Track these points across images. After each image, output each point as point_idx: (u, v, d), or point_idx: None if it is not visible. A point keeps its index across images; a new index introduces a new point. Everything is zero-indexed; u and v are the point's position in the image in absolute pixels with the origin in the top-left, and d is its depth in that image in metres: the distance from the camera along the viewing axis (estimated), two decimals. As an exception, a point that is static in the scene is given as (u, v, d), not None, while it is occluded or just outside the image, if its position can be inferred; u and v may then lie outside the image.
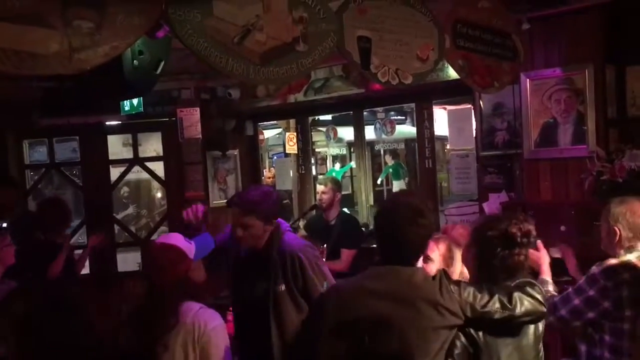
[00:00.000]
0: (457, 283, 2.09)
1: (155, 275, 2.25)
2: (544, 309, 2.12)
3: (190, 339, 2.19)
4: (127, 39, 2.10)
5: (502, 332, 2.08)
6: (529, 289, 2.10)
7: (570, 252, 3.17)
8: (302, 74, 2.66)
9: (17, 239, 3.48)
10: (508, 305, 2.04)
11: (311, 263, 2.89)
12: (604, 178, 3.66)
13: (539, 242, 3.03)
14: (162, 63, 3.69)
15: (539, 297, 2.10)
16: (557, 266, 3.45)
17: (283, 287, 2.85)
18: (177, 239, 2.34)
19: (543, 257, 2.95)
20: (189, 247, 2.32)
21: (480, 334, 2.04)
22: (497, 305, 2.03)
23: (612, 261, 2.68)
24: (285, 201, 7.86)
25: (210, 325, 2.23)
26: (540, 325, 2.20)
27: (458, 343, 2.03)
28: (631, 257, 2.65)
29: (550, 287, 2.84)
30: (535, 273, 2.98)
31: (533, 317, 2.09)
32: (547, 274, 2.91)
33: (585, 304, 2.63)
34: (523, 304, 2.06)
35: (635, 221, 2.68)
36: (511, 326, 2.09)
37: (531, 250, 2.99)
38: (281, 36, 2.50)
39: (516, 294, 2.07)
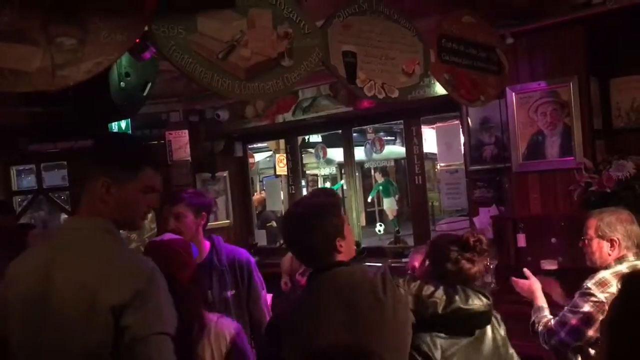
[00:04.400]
0: (402, 276, 2.09)
1: (179, 269, 2.11)
2: (489, 301, 2.10)
3: (217, 350, 2.13)
4: (111, 56, 2.09)
5: (455, 332, 2.06)
6: (474, 288, 2.10)
7: (552, 282, 3.14)
8: (288, 89, 2.66)
9: None
10: (453, 294, 2.03)
11: (256, 268, 3.06)
12: (592, 189, 3.67)
13: (527, 270, 3.03)
14: (149, 85, 3.70)
15: (483, 291, 2.10)
16: (550, 276, 3.44)
17: (232, 293, 2.93)
18: (176, 237, 2.30)
19: (534, 284, 2.94)
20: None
21: (435, 342, 2.02)
22: (442, 294, 2.02)
23: (604, 273, 2.66)
24: (269, 224, 7.84)
25: (234, 334, 2.20)
26: (499, 334, 2.17)
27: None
28: (622, 267, 2.64)
29: (546, 312, 2.82)
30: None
31: (479, 308, 2.06)
32: (541, 300, 2.90)
33: (582, 323, 2.59)
34: (468, 295, 2.05)
35: (627, 228, 2.68)
36: (462, 324, 2.06)
37: (521, 280, 2.99)
38: (266, 51, 2.51)
39: (459, 286, 2.07)
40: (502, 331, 2.18)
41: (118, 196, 1.75)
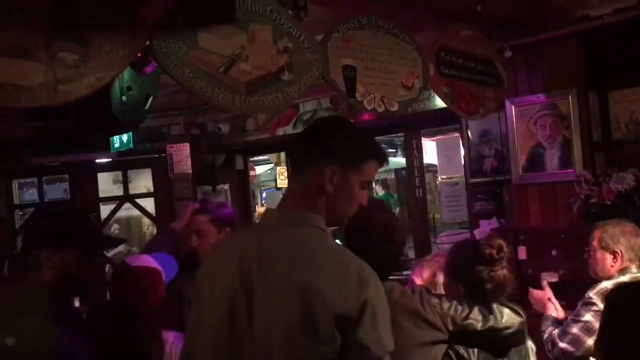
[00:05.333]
0: (439, 296, 2.06)
1: (137, 301, 2.11)
2: (522, 319, 2.09)
3: None
4: (112, 71, 2.12)
5: (488, 350, 2.05)
6: (505, 302, 2.09)
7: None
8: (288, 102, 2.69)
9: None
10: (488, 314, 2.01)
11: None
12: (592, 201, 3.67)
13: (545, 283, 3.06)
14: (151, 98, 3.72)
15: (516, 307, 2.09)
16: (551, 289, 3.44)
17: None
18: (149, 261, 2.25)
19: (546, 296, 2.97)
20: (161, 269, 2.25)
21: (472, 352, 2.02)
22: (479, 316, 2.00)
23: (606, 283, 2.67)
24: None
25: None
26: (531, 354, 2.17)
27: None
28: (624, 278, 2.65)
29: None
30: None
31: (513, 328, 2.06)
32: (551, 311, 2.92)
33: (583, 331, 2.61)
34: (502, 313, 2.04)
35: (630, 240, 2.69)
36: (495, 344, 2.06)
37: (536, 290, 3.01)
38: (266, 66, 2.53)
39: (494, 305, 2.05)
40: (531, 355, 2.17)
41: (340, 188, 1.56)
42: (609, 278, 2.71)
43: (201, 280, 1.63)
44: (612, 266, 2.72)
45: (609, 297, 1.61)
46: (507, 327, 2.04)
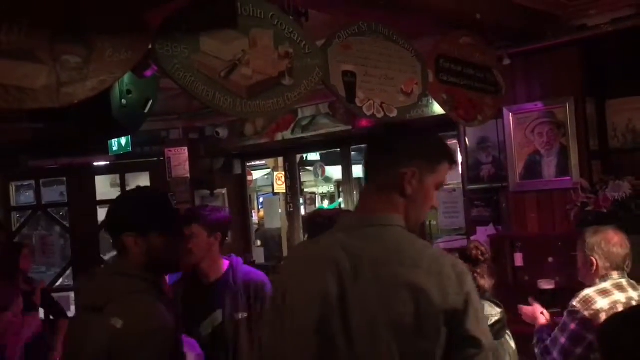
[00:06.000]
0: None
1: None
2: (501, 309, 2.14)
3: None
4: (115, 74, 2.13)
5: None
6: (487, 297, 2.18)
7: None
8: (288, 107, 2.70)
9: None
10: None
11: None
12: (589, 209, 3.69)
13: (531, 298, 3.07)
14: (151, 102, 3.73)
15: (495, 300, 2.14)
16: (547, 296, 3.46)
17: (244, 316, 2.76)
18: None
19: (537, 311, 2.98)
20: None
21: None
22: None
23: (588, 291, 2.69)
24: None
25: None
26: (510, 348, 2.20)
27: None
28: (606, 285, 2.66)
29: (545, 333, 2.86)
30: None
31: (493, 318, 2.10)
32: (542, 321, 2.94)
33: (570, 341, 2.61)
34: (482, 305, 2.07)
35: (610, 250, 2.69)
36: None
37: (525, 307, 3.03)
38: (267, 70, 2.55)
39: None
40: (512, 345, 2.21)
41: (418, 190, 1.60)
42: (590, 285, 2.73)
43: (284, 286, 1.62)
44: (592, 273, 2.74)
45: (603, 331, 1.60)
46: (487, 317, 2.10)
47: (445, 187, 5.12)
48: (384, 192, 1.60)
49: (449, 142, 5.07)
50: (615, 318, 1.74)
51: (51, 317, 4.53)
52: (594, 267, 2.69)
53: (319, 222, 2.39)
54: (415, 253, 1.53)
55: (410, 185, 1.58)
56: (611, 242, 2.71)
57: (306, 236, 2.29)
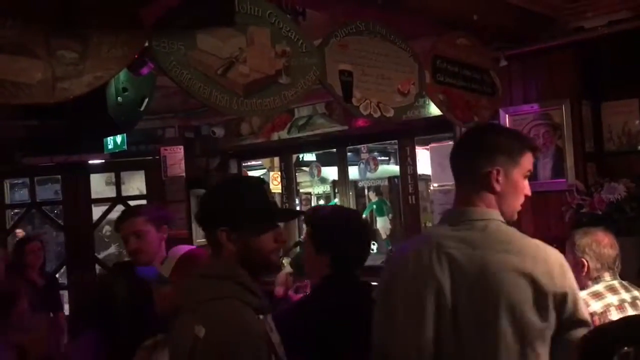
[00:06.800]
0: None
1: None
2: None
3: None
4: (111, 70, 2.13)
5: None
6: None
7: None
8: (285, 106, 2.70)
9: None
10: None
11: None
12: (583, 211, 3.70)
13: None
14: (147, 100, 3.72)
15: None
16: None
17: None
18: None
19: None
20: None
21: None
22: None
23: (582, 293, 2.68)
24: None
25: None
26: None
27: None
28: (599, 287, 2.65)
29: None
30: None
31: None
32: None
33: None
34: None
35: (601, 251, 2.67)
36: None
37: None
38: (264, 69, 2.55)
39: None
40: None
41: (506, 185, 1.73)
42: (582, 287, 2.72)
43: (397, 278, 1.72)
44: (583, 275, 2.73)
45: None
46: None
47: (441, 187, 5.15)
48: (475, 190, 1.73)
49: (446, 144, 5.09)
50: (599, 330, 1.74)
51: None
52: (585, 269, 2.68)
53: (322, 214, 2.38)
54: (519, 242, 1.68)
55: (498, 182, 1.71)
56: (601, 243, 2.70)
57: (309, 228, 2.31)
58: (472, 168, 1.74)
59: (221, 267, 1.70)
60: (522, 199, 1.80)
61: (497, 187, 1.71)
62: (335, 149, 6.08)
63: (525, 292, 1.59)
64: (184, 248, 2.30)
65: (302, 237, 4.96)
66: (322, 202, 12.18)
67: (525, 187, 1.79)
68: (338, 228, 2.22)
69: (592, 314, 2.53)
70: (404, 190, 5.36)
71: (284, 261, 5.46)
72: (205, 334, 1.55)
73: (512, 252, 1.64)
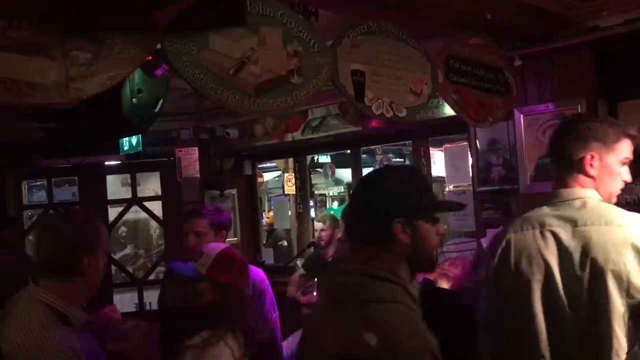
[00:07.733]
0: None
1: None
2: None
3: None
4: (124, 70, 2.14)
5: None
6: None
7: None
8: (297, 106, 2.70)
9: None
10: None
11: (270, 291, 3.04)
12: (600, 211, 3.66)
13: None
14: (161, 101, 3.75)
15: None
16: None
17: None
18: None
19: None
20: None
21: None
22: None
23: None
24: (280, 242, 7.85)
25: None
26: None
27: None
28: None
29: None
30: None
31: None
32: None
33: None
34: None
35: None
36: None
37: None
38: (276, 69, 2.55)
39: None
40: None
41: (601, 170, 1.88)
42: None
43: (509, 258, 1.91)
44: None
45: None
46: None
47: (454, 188, 5.12)
48: (570, 174, 1.90)
49: (460, 144, 5.06)
50: None
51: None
52: None
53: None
54: (619, 215, 1.81)
55: (592, 167, 1.87)
56: None
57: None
58: (568, 154, 1.89)
59: (387, 266, 1.50)
60: (619, 184, 1.92)
61: (592, 172, 1.86)
62: (349, 150, 6.08)
63: (630, 260, 1.72)
64: (220, 246, 2.35)
65: (315, 238, 4.96)
66: (336, 203, 12.20)
67: (623, 173, 1.91)
68: None
69: None
70: (419, 191, 5.32)
71: (297, 262, 5.47)
72: (379, 343, 1.37)
73: (613, 223, 1.77)
